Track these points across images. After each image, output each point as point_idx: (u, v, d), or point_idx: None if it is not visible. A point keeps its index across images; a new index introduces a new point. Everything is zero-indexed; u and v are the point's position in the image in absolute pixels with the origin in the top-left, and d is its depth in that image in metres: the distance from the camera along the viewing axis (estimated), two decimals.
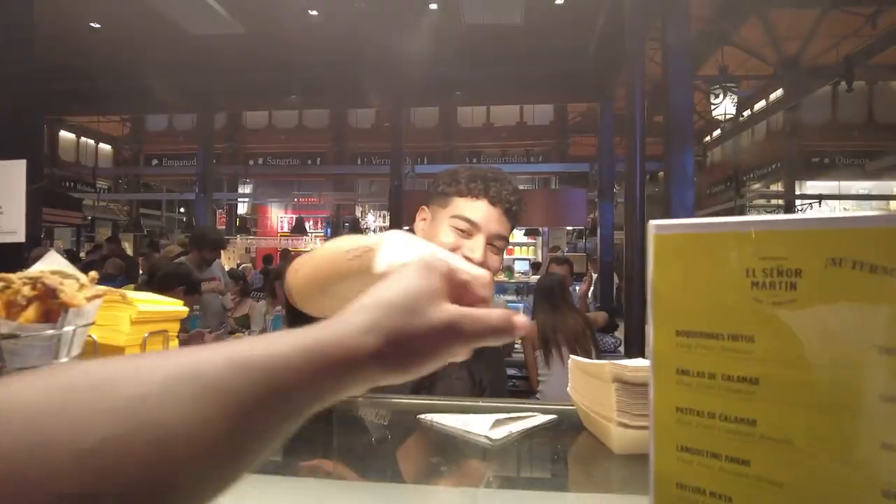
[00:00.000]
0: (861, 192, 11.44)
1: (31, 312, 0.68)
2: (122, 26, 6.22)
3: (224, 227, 13.02)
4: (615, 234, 7.12)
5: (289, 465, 0.87)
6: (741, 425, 0.44)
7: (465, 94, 7.81)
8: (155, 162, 13.57)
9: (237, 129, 13.05)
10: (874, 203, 11.60)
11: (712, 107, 8.14)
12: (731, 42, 8.44)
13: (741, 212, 12.74)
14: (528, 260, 12.39)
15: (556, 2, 5.52)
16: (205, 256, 4.33)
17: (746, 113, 11.74)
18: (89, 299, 0.72)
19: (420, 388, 1.20)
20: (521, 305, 5.84)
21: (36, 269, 0.74)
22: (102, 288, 0.77)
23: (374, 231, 13.54)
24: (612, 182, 7.25)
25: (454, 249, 1.15)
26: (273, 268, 5.53)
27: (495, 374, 1.38)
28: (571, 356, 0.95)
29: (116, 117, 12.51)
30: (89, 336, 0.82)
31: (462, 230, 1.19)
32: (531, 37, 6.12)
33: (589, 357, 2.78)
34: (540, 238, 12.91)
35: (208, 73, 7.18)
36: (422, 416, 0.96)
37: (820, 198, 10.69)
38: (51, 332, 0.68)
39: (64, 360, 0.70)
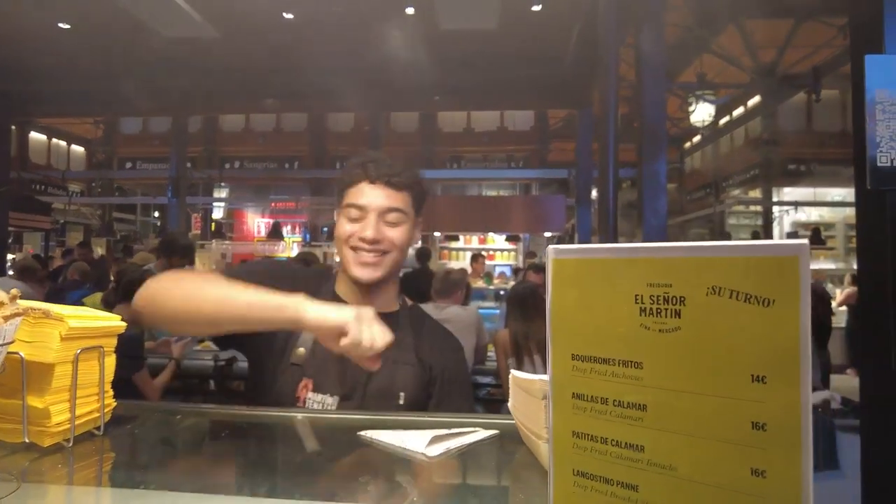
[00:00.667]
0: (836, 198, 11.67)
1: None
2: (92, 26, 6.12)
3: (199, 231, 12.88)
4: (593, 239, 7.18)
5: (226, 483, 0.86)
6: (631, 451, 0.44)
7: (444, 98, 7.82)
8: (129, 165, 13.41)
9: (213, 132, 12.93)
10: (848, 210, 11.81)
11: (690, 113, 8.26)
12: (709, 50, 8.58)
13: (721, 218, 12.91)
14: (510, 266, 12.44)
15: (533, 8, 5.55)
16: (173, 264, 4.22)
17: (725, 120, 11.92)
18: (6, 318, 0.70)
19: (350, 377, 1.20)
20: (497, 311, 5.85)
21: None
22: (26, 303, 0.75)
23: None
24: (590, 188, 7.31)
25: (349, 236, 1.25)
26: None
27: (452, 365, 1.37)
28: (512, 371, 0.96)
29: (90, 119, 12.34)
30: (15, 353, 0.81)
31: (355, 218, 1.25)
32: (508, 43, 6.16)
33: None
34: (521, 244, 12.96)
35: (183, 75, 7.11)
36: (362, 432, 0.95)
37: (796, 204, 10.87)
38: None
39: None
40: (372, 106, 7.28)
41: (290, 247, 12.77)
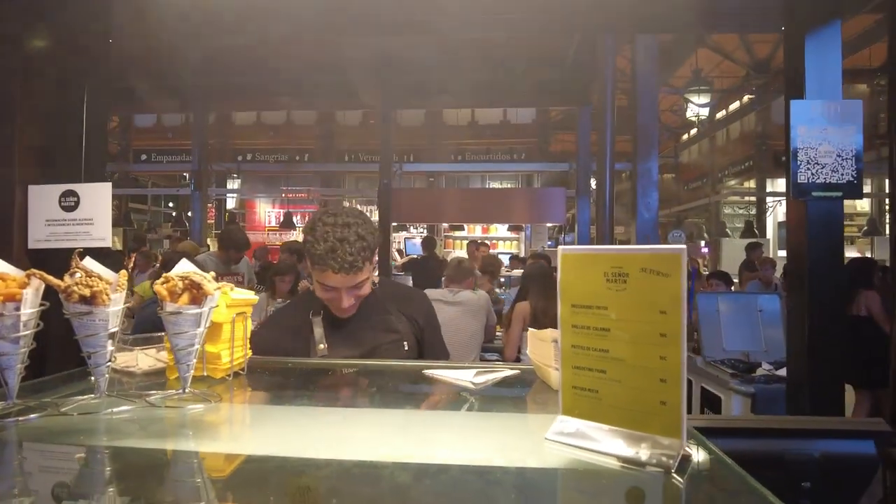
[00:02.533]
0: None
1: (185, 298, 1.08)
2: (116, 27, 6.48)
3: (214, 221, 13.28)
4: (591, 229, 7.57)
5: (345, 401, 1.28)
6: (602, 353, 0.86)
7: (451, 97, 8.19)
8: (144, 157, 13.79)
9: (226, 126, 13.30)
10: (844, 201, 12.14)
11: (685, 109, 8.61)
12: (705, 45, 8.90)
13: (717, 208, 13.29)
14: (511, 254, 12.85)
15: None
16: (231, 256, 4.81)
17: (721, 113, 12.25)
18: (215, 290, 1.11)
19: (366, 344, 1.69)
20: (504, 296, 6.26)
21: (177, 270, 1.13)
22: (220, 283, 1.16)
23: None
24: (589, 180, 7.69)
25: (326, 300, 1.62)
26: (272, 263, 5.90)
27: (426, 311, 1.86)
28: (529, 328, 1.37)
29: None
30: None
31: (327, 290, 1.59)
32: (511, 45, 6.52)
33: None
34: (523, 233, 13.37)
35: (201, 74, 7.47)
36: (425, 371, 1.37)
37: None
38: (197, 310, 1.08)
39: (202, 329, 1.10)
40: (382, 106, 7.64)
41: (301, 236, 13.18)
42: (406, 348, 1.72)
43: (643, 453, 0.80)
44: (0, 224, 1.75)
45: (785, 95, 1.62)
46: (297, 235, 12.95)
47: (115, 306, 1.05)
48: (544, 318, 3.82)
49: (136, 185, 13.86)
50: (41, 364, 1.77)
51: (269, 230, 13.64)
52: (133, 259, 7.64)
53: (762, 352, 3.90)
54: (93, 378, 1.07)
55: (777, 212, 12.01)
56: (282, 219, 12.52)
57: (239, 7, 1.98)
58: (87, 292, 1.01)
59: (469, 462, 0.81)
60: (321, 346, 1.64)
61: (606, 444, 0.84)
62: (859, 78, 9.02)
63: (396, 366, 1.47)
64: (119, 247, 11.48)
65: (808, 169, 1.54)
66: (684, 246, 0.80)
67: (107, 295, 1.03)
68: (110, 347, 1.06)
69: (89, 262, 1.08)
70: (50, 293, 1.06)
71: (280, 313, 2.04)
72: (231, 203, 14.21)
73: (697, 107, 7.35)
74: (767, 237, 11.42)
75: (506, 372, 1.36)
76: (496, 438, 0.95)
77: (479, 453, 0.86)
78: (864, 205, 11.79)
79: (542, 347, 1.25)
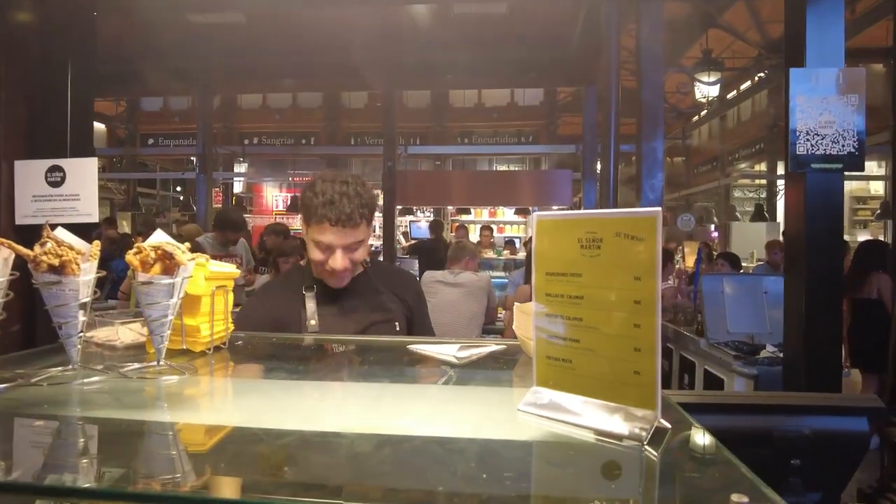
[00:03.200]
0: None
1: (157, 268, 1.05)
2: (121, 11, 6.44)
3: (221, 205, 13.32)
4: None
5: (330, 376, 1.26)
6: (575, 321, 0.83)
7: (456, 77, 8.12)
8: (151, 141, 13.81)
9: (232, 109, 13.27)
10: (854, 184, 11.99)
11: (690, 91, 8.47)
12: (715, 24, 8.73)
13: (727, 191, 13.14)
14: (519, 237, 12.79)
15: None
16: (227, 237, 4.76)
17: (732, 94, 12.06)
18: (189, 261, 1.09)
19: (357, 323, 1.67)
20: (505, 280, 6.23)
21: (151, 241, 1.11)
22: (196, 254, 1.14)
23: None
24: (595, 162, 7.61)
25: (320, 262, 1.58)
26: (277, 245, 5.89)
27: (415, 291, 1.85)
28: (515, 303, 1.34)
29: (109, 97, 12.71)
30: None
31: (322, 250, 1.57)
32: (518, 24, 6.43)
33: None
34: (529, 217, 13.30)
35: (206, 57, 7.44)
36: (410, 346, 1.35)
37: None
38: (169, 280, 1.06)
39: (175, 300, 1.08)
40: (386, 87, 7.58)
41: None
42: (397, 328, 1.71)
43: (617, 425, 0.77)
44: None
45: (785, 63, 1.56)
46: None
47: (85, 276, 1.03)
48: None
49: (144, 170, 13.92)
50: (31, 337, 1.76)
51: (275, 214, 13.66)
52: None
53: (767, 333, 3.85)
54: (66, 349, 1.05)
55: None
56: (289, 202, 12.54)
57: None
58: (55, 262, 0.99)
59: (435, 434, 0.79)
60: (312, 321, 1.62)
61: (579, 416, 0.81)
62: (876, 57, 8.85)
63: (380, 341, 1.45)
64: (128, 230, 11.55)
65: (808, 140, 1.49)
66: (659, 209, 0.76)
67: (77, 264, 1.01)
68: (82, 318, 1.04)
69: (61, 233, 1.06)
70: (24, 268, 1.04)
71: (271, 286, 2.02)
72: (238, 187, 14.23)
73: (707, 86, 7.21)
74: (778, 220, 11.29)
75: (491, 347, 1.33)
76: (469, 410, 0.93)
77: (448, 425, 0.84)
78: (878, 187, 11.62)
79: (525, 321, 1.22)
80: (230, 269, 1.36)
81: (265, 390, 1.05)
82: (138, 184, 14.36)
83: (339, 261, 1.56)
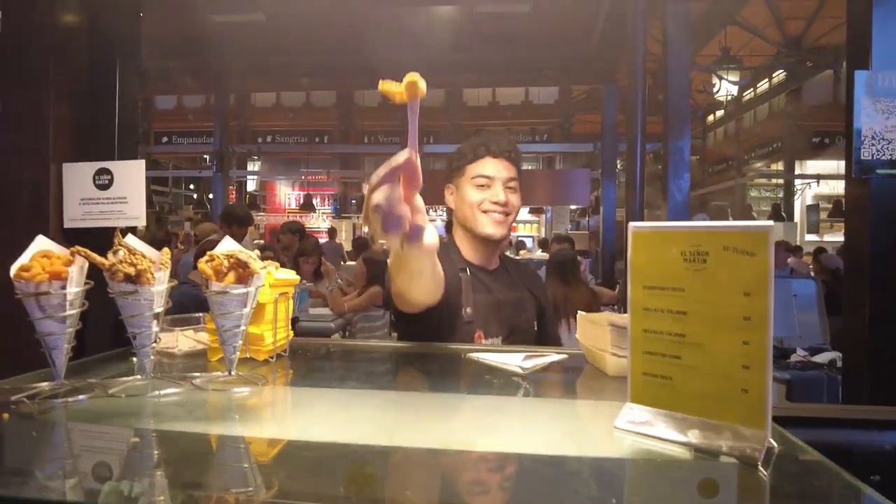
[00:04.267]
0: None
1: (231, 277, 1.04)
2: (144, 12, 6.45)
3: (241, 205, 13.36)
4: (617, 212, 7.44)
5: (389, 384, 1.24)
6: (677, 337, 0.81)
7: (472, 76, 8.08)
8: (165, 139, 13.87)
9: (246, 108, 13.30)
10: None
11: (714, 92, 8.40)
12: (734, 22, 8.64)
13: (742, 191, 13.03)
14: (532, 237, 12.75)
15: None
16: (234, 233, 4.72)
17: (749, 93, 11.96)
18: (262, 269, 1.08)
19: (506, 321, 1.59)
20: None
21: (221, 249, 1.09)
22: (266, 262, 1.13)
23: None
24: (615, 161, 7.56)
25: (480, 202, 1.56)
26: (294, 244, 5.89)
27: (544, 292, 1.78)
28: (579, 312, 1.32)
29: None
30: None
31: (482, 185, 1.56)
32: (538, 22, 6.39)
33: None
34: (543, 216, 13.24)
35: (223, 55, 7.44)
36: (471, 354, 1.33)
37: (818, 177, 10.97)
38: (244, 290, 1.04)
39: (248, 309, 1.07)
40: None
41: (321, 217, 13.22)
42: (535, 328, 1.66)
43: (724, 444, 0.75)
44: (36, 203, 1.74)
45: (847, 66, 1.53)
46: (316, 218, 12.97)
47: (159, 285, 1.01)
48: (565, 305, 3.75)
49: (157, 168, 13.97)
50: (80, 345, 1.76)
51: (288, 212, 13.68)
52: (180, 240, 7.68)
53: (797, 337, 3.81)
54: (136, 359, 1.04)
55: (805, 195, 11.74)
56: (301, 201, 12.55)
57: None
58: (132, 271, 0.98)
59: (540, 451, 0.77)
60: (468, 309, 1.54)
61: (682, 434, 0.79)
62: None
63: (439, 348, 1.43)
64: (141, 229, 11.57)
65: (873, 145, 1.46)
66: (772, 223, 0.74)
67: (151, 274, 0.99)
68: (155, 328, 1.03)
69: (132, 240, 1.05)
70: (92, 272, 1.03)
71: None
72: (251, 185, 14.26)
73: (731, 83, 7.13)
74: (795, 221, 11.19)
75: (553, 356, 1.31)
76: (562, 426, 0.90)
77: (547, 442, 0.82)
78: None
79: (594, 331, 1.20)
80: (291, 275, 1.35)
81: (338, 400, 1.04)
82: (151, 181, 14.42)
83: (500, 192, 1.54)
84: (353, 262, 7.33)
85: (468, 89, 12.31)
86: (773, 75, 11.06)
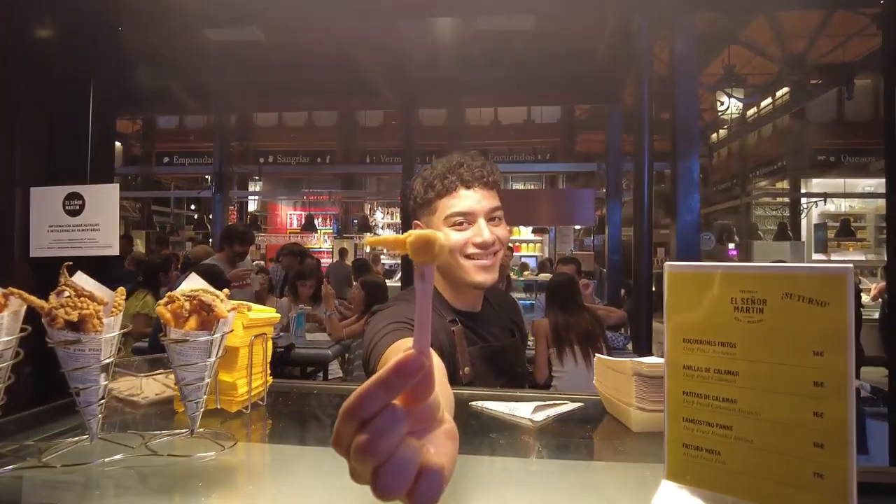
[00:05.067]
0: (867, 189, 11.56)
1: (192, 322, 0.89)
2: (141, 27, 6.39)
3: (240, 224, 13.26)
4: (623, 231, 7.29)
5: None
6: (726, 403, 0.65)
7: (475, 95, 8.00)
8: (166, 160, 13.81)
9: (247, 128, 13.25)
10: (879, 201, 11.71)
11: (719, 107, 8.30)
12: (737, 40, 8.57)
13: (747, 209, 12.88)
14: (536, 257, 12.60)
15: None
16: (235, 251, 4.61)
17: (753, 111, 11.87)
18: (229, 311, 0.93)
19: (501, 371, 1.40)
20: (532, 303, 6.05)
21: (184, 287, 0.95)
22: (235, 302, 0.98)
23: (383, 227, 13.76)
24: (620, 180, 7.43)
25: (462, 245, 1.27)
26: (293, 266, 5.76)
27: (519, 317, 1.58)
28: (597, 355, 1.16)
29: (126, 115, 12.73)
30: None
31: (460, 224, 1.28)
32: (542, 42, 6.30)
33: (600, 353, 2.98)
34: (546, 236, 13.11)
35: (223, 75, 7.38)
36: (473, 403, 1.17)
37: (825, 196, 10.82)
38: (207, 337, 0.89)
39: (212, 359, 0.92)
40: (405, 104, 7.47)
41: (322, 238, 13.10)
42: (529, 369, 1.50)
43: None
44: (0, 230, 1.60)
45: (884, 80, 1.39)
46: (318, 238, 12.86)
47: (109, 332, 0.87)
48: (566, 333, 3.59)
49: (158, 188, 13.91)
50: (14, 400, 1.61)
51: (290, 232, 13.57)
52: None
53: None
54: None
55: (812, 213, 11.59)
56: (303, 221, 12.44)
57: None
58: (74, 316, 0.83)
59: None
60: (466, 369, 1.30)
61: None
62: None
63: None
64: (142, 250, 11.47)
65: None
66: (851, 266, 0.59)
67: (99, 319, 0.85)
68: (103, 382, 0.88)
69: (80, 278, 0.90)
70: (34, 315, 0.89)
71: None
72: (253, 205, 14.17)
73: (738, 100, 7.03)
74: (802, 240, 11.02)
75: (567, 406, 1.15)
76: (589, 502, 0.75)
77: None
78: None
79: (616, 380, 1.05)
80: (270, 313, 1.20)
81: (327, 463, 0.88)
82: (153, 202, 14.35)
83: (484, 230, 1.26)
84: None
85: (470, 108, 12.24)
86: (777, 94, 10.97)
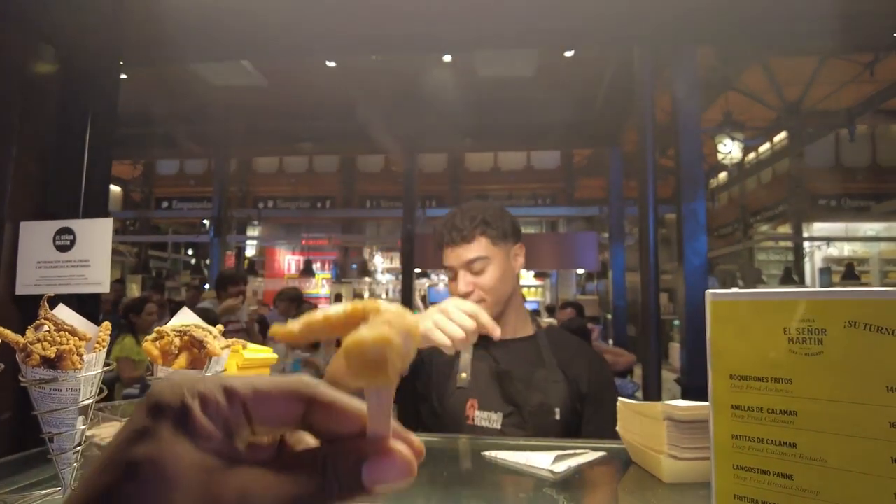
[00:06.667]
0: (869, 233, 11.57)
1: (182, 360, 0.82)
2: (144, 74, 6.47)
3: (233, 268, 13.19)
4: (628, 276, 7.22)
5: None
6: (785, 447, 0.57)
7: (475, 141, 8.07)
8: (165, 204, 13.84)
9: (247, 173, 13.34)
10: (882, 245, 11.71)
11: (718, 153, 8.37)
12: (734, 88, 8.72)
13: (750, 254, 12.84)
14: (537, 302, 12.49)
15: (566, 54, 5.78)
16: (229, 293, 4.52)
17: (752, 156, 11.98)
18: (223, 349, 0.86)
19: (510, 397, 1.33)
20: None
21: (175, 322, 0.88)
22: (230, 340, 0.91)
23: (382, 272, 13.69)
24: (623, 224, 7.40)
25: (455, 293, 1.42)
26: (289, 312, 5.67)
27: (597, 379, 1.43)
28: (621, 399, 1.08)
29: (128, 160, 12.84)
30: None
31: (451, 277, 1.46)
32: (541, 87, 6.38)
33: None
34: (548, 280, 13.02)
35: (225, 121, 7.45)
36: (486, 452, 1.08)
37: (828, 239, 10.80)
38: (199, 376, 0.82)
39: None
40: (406, 151, 7.53)
41: (320, 283, 13.01)
42: (557, 417, 1.34)
43: None
44: None
45: None
46: (315, 283, 12.78)
47: (89, 370, 0.79)
48: None
49: (156, 233, 13.90)
50: (22, 434, 1.51)
51: (287, 277, 13.49)
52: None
53: None
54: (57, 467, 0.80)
55: (815, 257, 11.55)
56: (302, 266, 12.37)
57: (244, 28, 1.77)
58: (51, 352, 0.75)
59: None
60: (464, 374, 1.38)
61: None
62: None
63: (448, 442, 1.18)
64: (137, 294, 11.36)
65: None
66: None
67: (78, 356, 0.77)
68: (81, 426, 0.79)
69: (61, 311, 0.83)
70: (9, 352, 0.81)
71: None
72: (251, 251, 14.14)
73: (739, 141, 7.08)
74: (807, 283, 10.95)
75: (589, 455, 1.06)
76: None
77: None
78: None
79: (644, 425, 0.96)
80: (267, 353, 1.12)
81: None
82: (150, 246, 14.31)
83: (461, 283, 1.41)
84: None
85: (470, 154, 12.36)
86: (776, 139, 11.10)
